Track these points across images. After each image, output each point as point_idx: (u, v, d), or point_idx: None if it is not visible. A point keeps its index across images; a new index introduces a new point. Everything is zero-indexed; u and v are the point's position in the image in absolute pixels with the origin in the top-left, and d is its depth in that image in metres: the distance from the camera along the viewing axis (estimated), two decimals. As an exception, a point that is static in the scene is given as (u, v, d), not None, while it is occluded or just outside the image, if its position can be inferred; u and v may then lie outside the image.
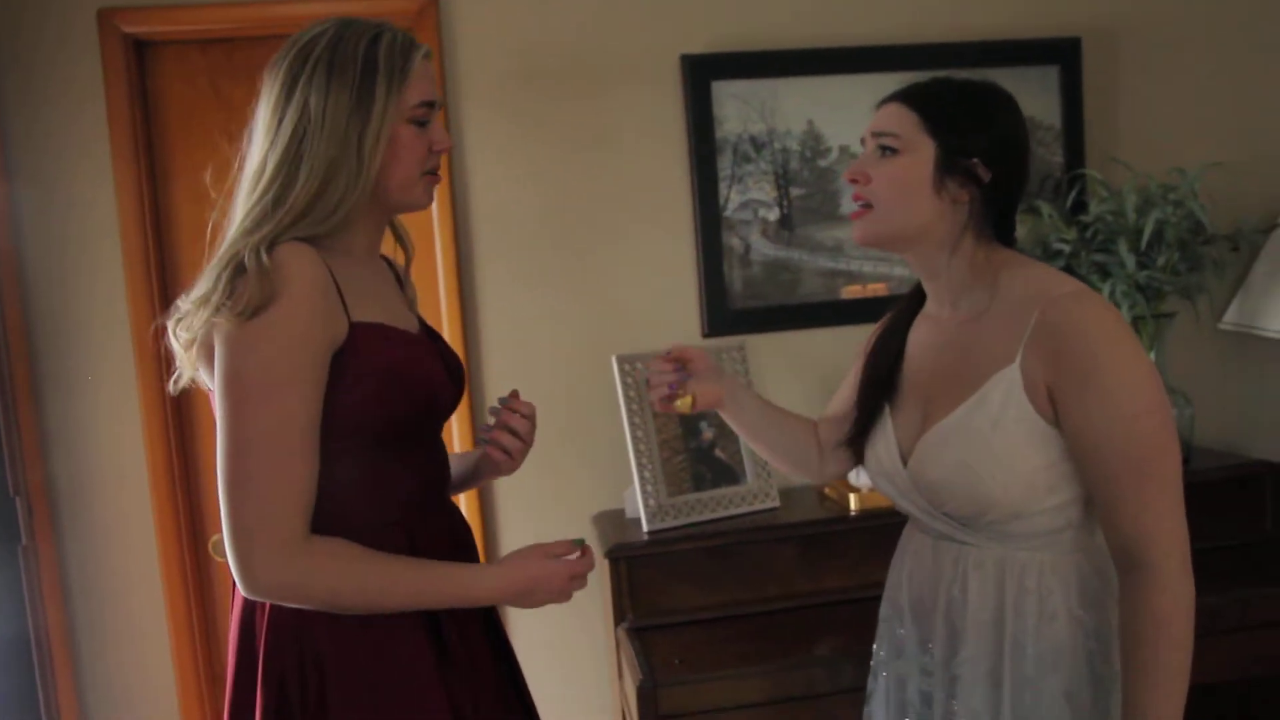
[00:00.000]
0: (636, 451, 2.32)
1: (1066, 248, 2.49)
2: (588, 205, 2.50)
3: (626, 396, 2.35)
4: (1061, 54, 2.61)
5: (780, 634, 2.13)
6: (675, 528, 2.29)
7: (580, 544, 1.37)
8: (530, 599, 1.33)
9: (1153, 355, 2.46)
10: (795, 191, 2.55)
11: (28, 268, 2.33)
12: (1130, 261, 2.36)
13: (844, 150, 2.55)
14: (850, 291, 2.57)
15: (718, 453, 2.41)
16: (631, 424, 2.33)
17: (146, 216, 2.37)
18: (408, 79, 1.28)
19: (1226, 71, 2.70)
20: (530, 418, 1.53)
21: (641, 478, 2.31)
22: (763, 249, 2.55)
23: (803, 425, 1.67)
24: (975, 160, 1.33)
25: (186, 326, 1.25)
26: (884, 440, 1.45)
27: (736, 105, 2.51)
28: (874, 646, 1.56)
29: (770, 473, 2.43)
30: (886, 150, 1.35)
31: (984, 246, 1.37)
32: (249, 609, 1.31)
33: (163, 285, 2.39)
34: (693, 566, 2.23)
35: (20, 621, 2.27)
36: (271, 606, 1.27)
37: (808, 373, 2.57)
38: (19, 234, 2.32)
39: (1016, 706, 1.33)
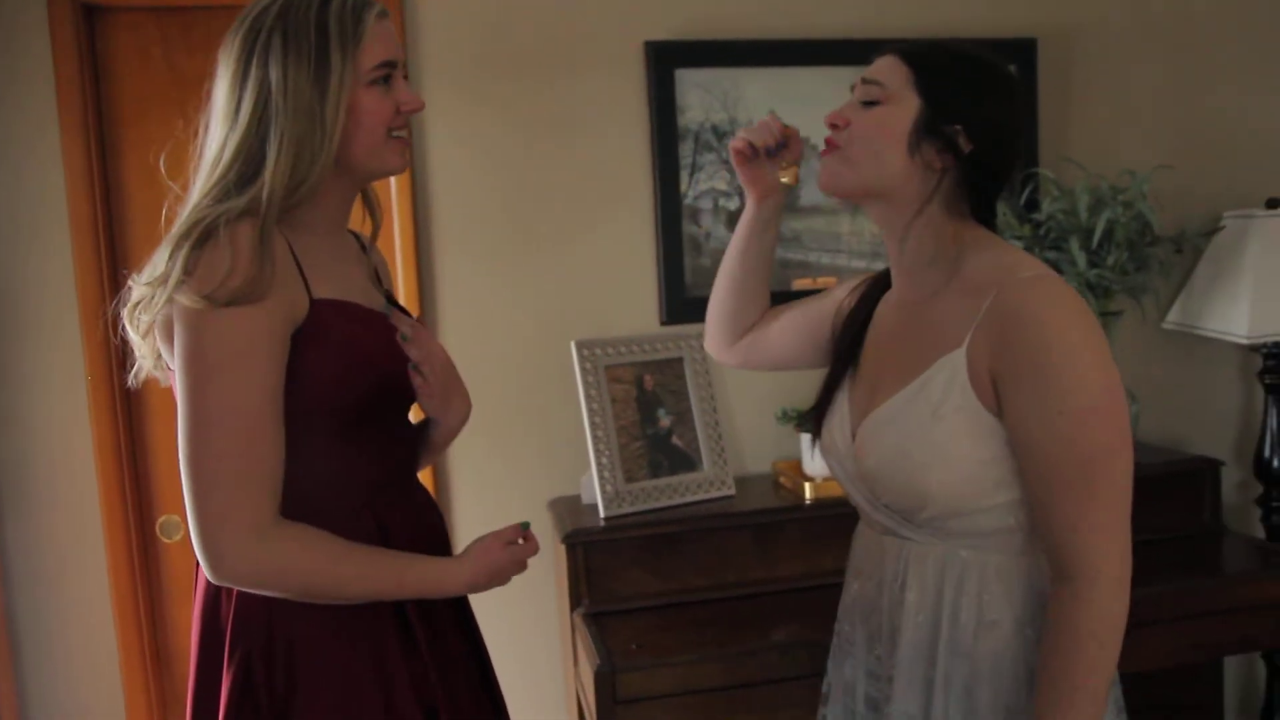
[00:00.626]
0: (594, 438, 2.32)
1: (1019, 244, 2.53)
2: (548, 190, 2.49)
3: (585, 382, 2.35)
4: (1018, 53, 2.64)
5: (736, 620, 2.15)
6: (631, 514, 2.30)
7: (526, 527, 1.39)
8: (491, 585, 1.34)
9: (1100, 351, 2.51)
10: (756, 182, 2.56)
11: (-31, 239, 2.26)
12: (1081, 260, 2.41)
13: (805, 142, 2.55)
14: (801, 283, 2.59)
15: (675, 440, 2.42)
16: (589, 410, 2.33)
17: (96, 194, 2.31)
18: (361, 41, 1.25)
19: (1177, 75, 2.76)
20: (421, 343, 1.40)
21: (599, 464, 2.31)
22: (722, 238, 2.56)
23: (763, 295, 1.60)
24: (958, 128, 1.26)
25: (146, 308, 1.21)
26: (839, 419, 1.39)
27: (699, 94, 2.52)
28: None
29: (726, 461, 2.44)
30: (870, 102, 1.29)
31: (954, 221, 1.30)
32: (213, 591, 1.28)
33: (113, 265, 2.33)
34: (649, 553, 2.24)
35: (-42, 602, 2.21)
36: (239, 590, 1.25)
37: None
38: (-39, 204, 2.25)
39: (950, 716, 1.27)
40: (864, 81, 1.32)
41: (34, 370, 2.31)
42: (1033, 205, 2.62)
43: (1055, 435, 1.16)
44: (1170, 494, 2.49)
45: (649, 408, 2.41)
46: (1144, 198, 2.44)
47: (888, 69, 1.30)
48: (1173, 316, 2.71)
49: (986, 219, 1.33)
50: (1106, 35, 2.73)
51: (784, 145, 1.48)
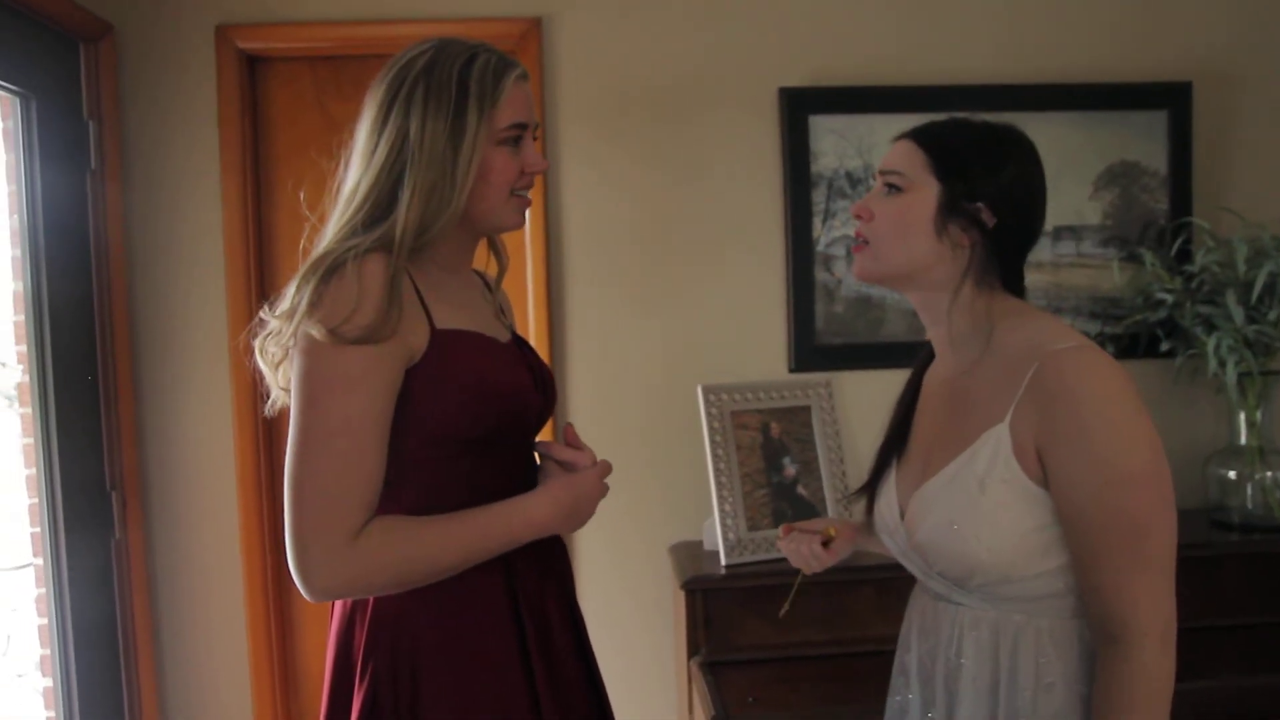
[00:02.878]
0: (718, 484, 2.30)
1: (1170, 298, 2.41)
2: (680, 232, 2.51)
3: (710, 427, 2.33)
4: (1171, 98, 2.54)
5: (855, 677, 2.08)
6: (753, 563, 2.26)
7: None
8: (577, 514, 1.35)
9: (1259, 414, 2.37)
10: (889, 228, 2.52)
11: (134, 269, 2.41)
12: (1239, 315, 2.28)
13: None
14: (939, 332, 2.52)
15: (799, 489, 2.38)
16: (714, 455, 2.32)
17: (249, 226, 2.44)
18: (499, 101, 1.28)
19: (1347, 122, 2.60)
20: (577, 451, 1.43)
21: (722, 510, 2.29)
22: (853, 285, 2.52)
23: None
24: (980, 205, 1.28)
25: (275, 339, 1.26)
26: (886, 495, 1.42)
27: (833, 140, 2.50)
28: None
29: (851, 513, 2.38)
30: (892, 188, 1.32)
31: (985, 294, 1.33)
32: (348, 615, 1.32)
33: (261, 293, 2.46)
34: (769, 603, 2.19)
35: (109, 609, 2.33)
36: (373, 606, 1.28)
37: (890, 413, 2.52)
38: (129, 235, 2.40)
39: None
40: (882, 172, 1.35)
41: (186, 393, 2.44)
42: (1185, 256, 2.49)
43: (1102, 505, 1.18)
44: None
45: (774, 455, 2.38)
46: (1310, 250, 2.30)
47: (904, 156, 1.33)
48: (1341, 378, 2.53)
49: (1015, 286, 1.35)
50: (1266, 79, 2.59)
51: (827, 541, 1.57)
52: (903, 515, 1.37)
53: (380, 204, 1.27)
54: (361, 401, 1.20)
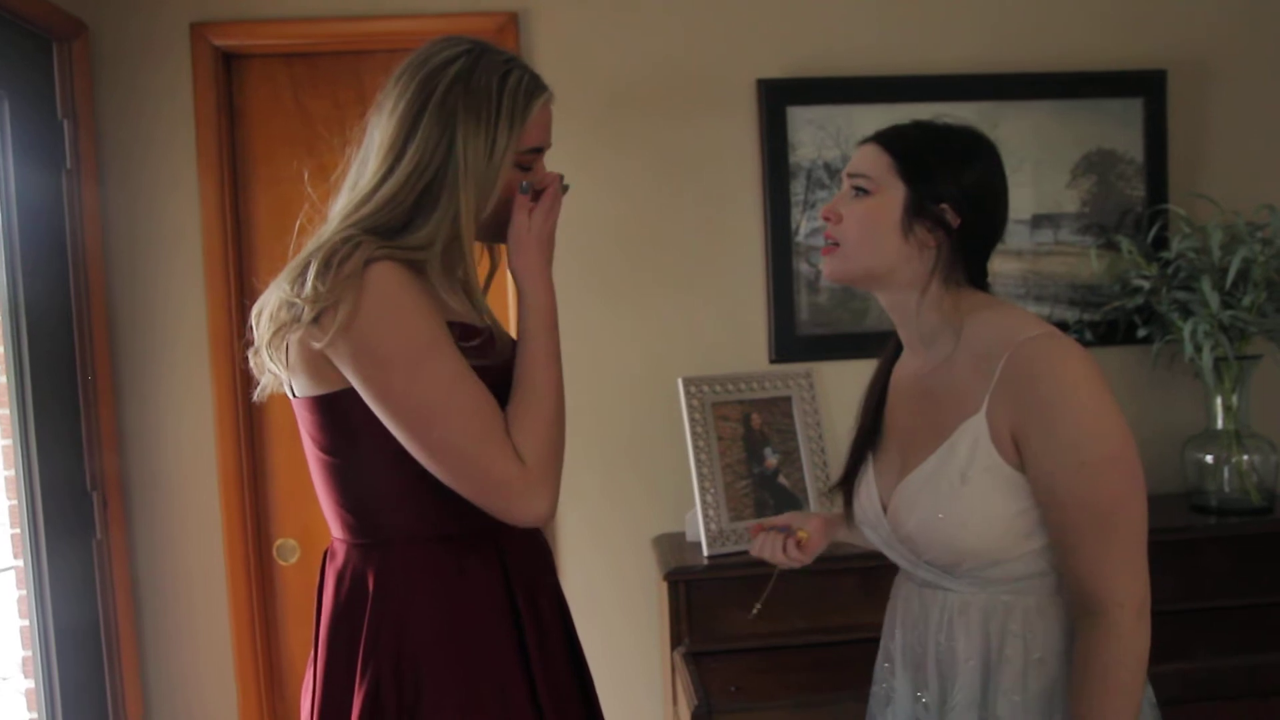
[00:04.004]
0: (699, 475, 2.31)
1: (1146, 284, 2.43)
2: (659, 224, 2.51)
3: (691, 419, 2.34)
4: (1147, 87, 2.56)
5: (838, 666, 2.09)
6: (735, 553, 2.27)
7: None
8: (546, 244, 1.34)
9: (1235, 398, 2.39)
10: (868, 218, 2.53)
11: (112, 269, 2.40)
12: (1214, 300, 2.30)
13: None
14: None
15: (781, 479, 2.39)
16: (695, 447, 2.32)
17: (228, 224, 2.43)
18: (527, 122, 1.28)
19: (1320, 108, 2.62)
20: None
21: (703, 501, 2.30)
22: (833, 275, 2.52)
23: None
24: (945, 206, 1.33)
25: (292, 327, 1.20)
26: (866, 489, 1.46)
27: (812, 131, 2.51)
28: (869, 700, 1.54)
29: (834, 502, 2.39)
30: (859, 191, 1.37)
31: (952, 291, 1.37)
32: (339, 613, 1.31)
33: (240, 290, 2.45)
34: (752, 593, 2.20)
35: (91, 612, 2.32)
36: (371, 607, 1.27)
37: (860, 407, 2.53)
38: (106, 235, 2.39)
39: None
40: (849, 175, 1.39)
41: (166, 392, 2.44)
42: (1161, 243, 2.51)
43: (1077, 485, 1.23)
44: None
45: (756, 446, 2.39)
46: (1284, 235, 2.32)
47: (870, 159, 1.37)
48: (1316, 362, 2.55)
49: (981, 281, 1.40)
50: (1241, 66, 2.61)
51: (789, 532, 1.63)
52: (885, 509, 1.41)
53: (402, 209, 1.25)
54: (449, 356, 1.21)
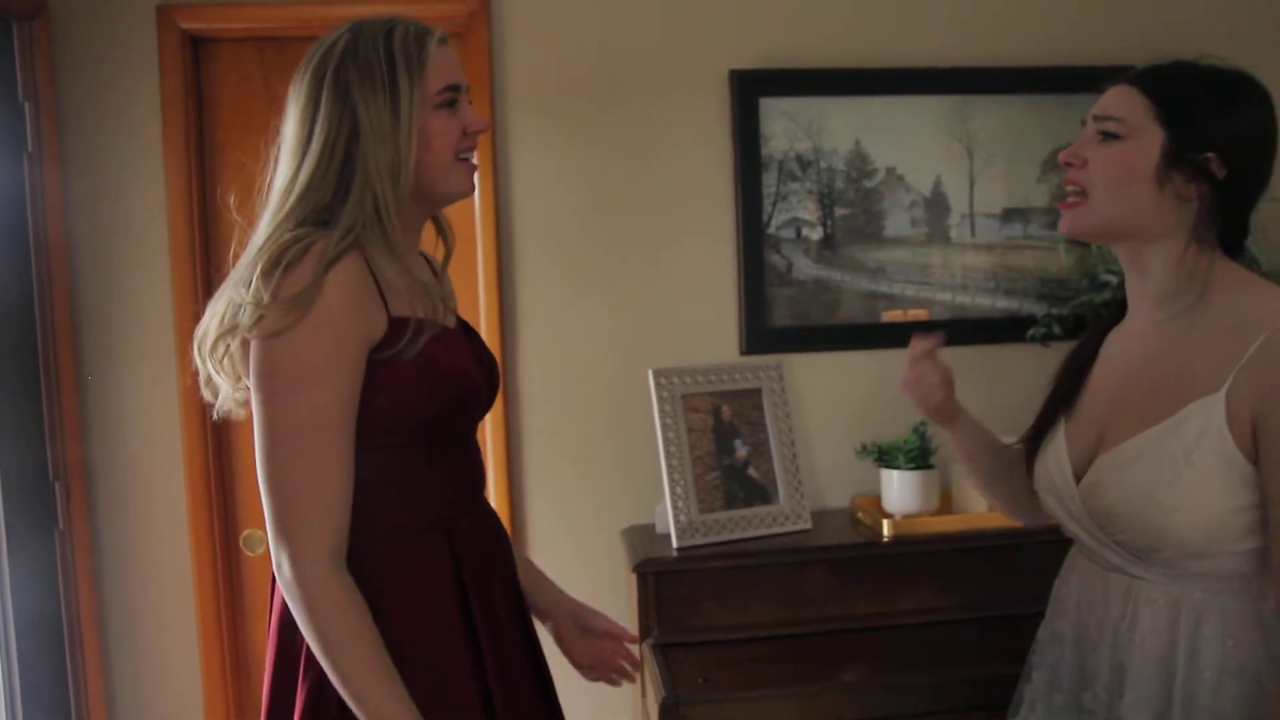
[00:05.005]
0: (669, 467, 2.31)
1: (1114, 279, 2.43)
2: (631, 215, 2.50)
3: (661, 411, 2.33)
4: (1116, 82, 2.56)
5: (808, 657, 2.10)
6: (705, 545, 2.27)
7: None
8: None
9: None
10: (840, 211, 2.53)
11: (76, 255, 2.36)
12: (1180, 296, 2.31)
13: (890, 171, 2.53)
14: (891, 315, 2.54)
15: (751, 471, 2.39)
16: (665, 439, 2.32)
17: (194, 211, 2.40)
18: (425, 66, 1.28)
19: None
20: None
21: (673, 494, 2.30)
22: (805, 268, 2.53)
23: (1019, 463, 1.50)
24: (1210, 155, 1.21)
25: (230, 335, 1.23)
26: (1055, 454, 1.34)
27: (784, 122, 2.50)
28: (1026, 669, 1.45)
29: (803, 494, 2.40)
30: (1108, 136, 1.24)
31: (1206, 254, 1.25)
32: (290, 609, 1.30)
33: (207, 279, 2.42)
34: (721, 585, 2.21)
35: (54, 603, 2.29)
36: None
37: (845, 395, 2.55)
38: (69, 222, 2.35)
39: None
40: (1096, 118, 1.27)
41: (131, 382, 2.40)
42: None
43: None
44: None
45: (726, 438, 2.39)
46: None
47: (1123, 101, 1.26)
48: None
49: (1233, 245, 1.27)
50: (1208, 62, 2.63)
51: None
52: (1077, 479, 1.31)
53: (324, 189, 1.25)
54: (327, 394, 1.19)
